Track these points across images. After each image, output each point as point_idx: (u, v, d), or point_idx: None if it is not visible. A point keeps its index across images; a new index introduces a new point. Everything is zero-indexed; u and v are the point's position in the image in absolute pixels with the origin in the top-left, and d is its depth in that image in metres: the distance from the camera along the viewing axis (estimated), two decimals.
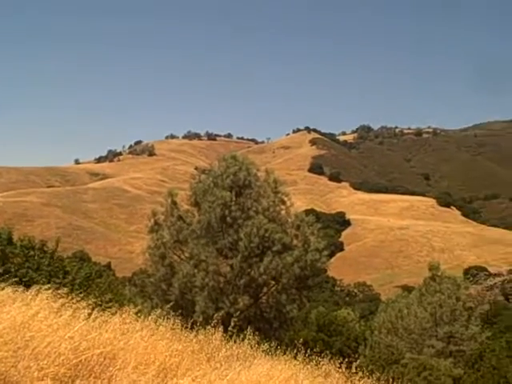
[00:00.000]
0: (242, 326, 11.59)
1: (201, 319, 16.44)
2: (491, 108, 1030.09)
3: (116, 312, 8.25)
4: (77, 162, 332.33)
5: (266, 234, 19.90)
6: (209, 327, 9.62)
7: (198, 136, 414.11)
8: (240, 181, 21.14)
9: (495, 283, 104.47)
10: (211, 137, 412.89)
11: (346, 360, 10.23)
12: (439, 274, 30.92)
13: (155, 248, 21.07)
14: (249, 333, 9.94)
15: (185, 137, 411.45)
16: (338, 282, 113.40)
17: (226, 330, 10.27)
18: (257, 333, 11.29)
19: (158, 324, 8.36)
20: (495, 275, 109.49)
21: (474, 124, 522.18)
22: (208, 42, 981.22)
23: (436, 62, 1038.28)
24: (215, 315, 10.68)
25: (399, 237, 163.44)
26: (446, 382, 20.18)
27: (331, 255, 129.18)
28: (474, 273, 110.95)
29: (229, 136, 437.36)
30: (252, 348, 9.06)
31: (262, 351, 9.11)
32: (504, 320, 54.79)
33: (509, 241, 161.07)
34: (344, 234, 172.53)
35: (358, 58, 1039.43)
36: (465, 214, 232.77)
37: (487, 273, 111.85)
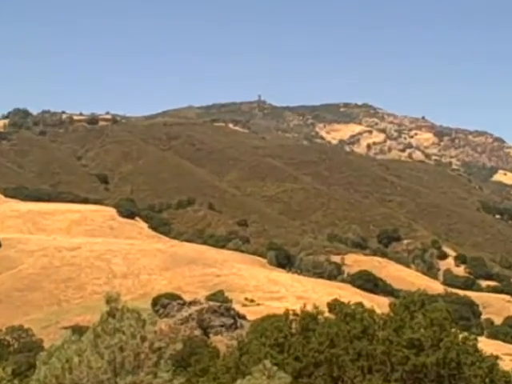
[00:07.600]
0: None
1: None
2: (184, 93, 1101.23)
3: None
4: None
5: None
6: None
7: None
8: None
9: (191, 314, 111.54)
10: None
11: None
12: (120, 307, 31.95)
13: None
14: None
15: None
16: None
17: None
18: None
19: None
20: (191, 304, 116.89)
21: (164, 110, 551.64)
22: None
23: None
24: None
25: (68, 260, 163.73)
26: None
27: None
28: (164, 303, 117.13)
29: None
30: None
31: None
32: (201, 360, 58.65)
33: (207, 260, 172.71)
34: None
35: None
36: (153, 227, 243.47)
37: (181, 301, 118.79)
